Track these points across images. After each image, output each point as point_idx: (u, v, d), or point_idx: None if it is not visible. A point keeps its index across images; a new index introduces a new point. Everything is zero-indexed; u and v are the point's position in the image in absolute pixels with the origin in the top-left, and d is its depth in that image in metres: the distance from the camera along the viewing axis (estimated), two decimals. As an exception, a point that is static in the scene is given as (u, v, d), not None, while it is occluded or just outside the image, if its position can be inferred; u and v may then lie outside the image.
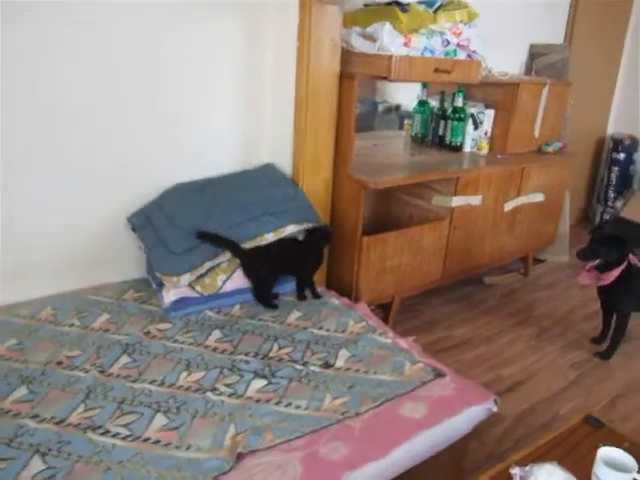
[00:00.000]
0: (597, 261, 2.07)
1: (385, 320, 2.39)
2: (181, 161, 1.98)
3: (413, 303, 2.66)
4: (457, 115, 2.61)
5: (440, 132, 2.71)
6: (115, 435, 1.20)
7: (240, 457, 1.15)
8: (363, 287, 2.22)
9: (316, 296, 1.95)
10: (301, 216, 1.96)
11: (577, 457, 1.18)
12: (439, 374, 1.53)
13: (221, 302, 1.87)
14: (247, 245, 1.82)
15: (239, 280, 1.89)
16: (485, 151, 2.70)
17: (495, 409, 1.46)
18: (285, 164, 2.13)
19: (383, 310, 2.41)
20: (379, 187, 2.12)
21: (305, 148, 2.00)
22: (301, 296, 1.96)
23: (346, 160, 2.10)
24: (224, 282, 1.85)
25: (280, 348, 1.60)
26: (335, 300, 1.95)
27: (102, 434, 1.19)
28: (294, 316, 1.83)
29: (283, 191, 2.00)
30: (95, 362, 1.45)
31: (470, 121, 2.63)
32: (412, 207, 2.52)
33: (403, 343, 1.70)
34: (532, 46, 3.05)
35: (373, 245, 2.18)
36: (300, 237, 1.93)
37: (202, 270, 1.80)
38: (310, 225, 1.95)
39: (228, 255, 1.84)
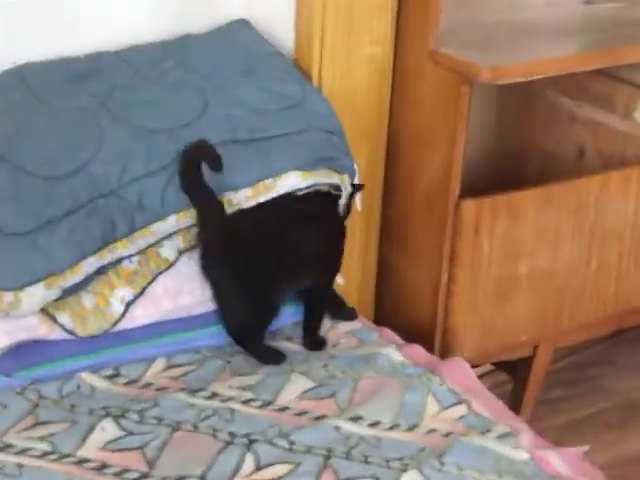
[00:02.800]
0: None
1: (515, 402, 2.25)
2: (35, 15, 1.91)
3: (580, 361, 2.62)
4: None
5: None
6: None
7: None
8: (462, 323, 2.06)
9: (348, 317, 1.86)
10: (315, 152, 1.81)
11: None
12: None
13: (122, 353, 1.66)
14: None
15: (165, 302, 1.73)
16: None
17: None
18: (280, 27, 2.03)
19: (511, 376, 2.33)
20: (504, 80, 1.98)
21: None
22: (315, 338, 1.79)
23: (426, 17, 1.95)
24: (129, 305, 1.66)
25: (259, 468, 1.39)
26: (393, 351, 1.74)
27: None
28: (296, 387, 1.61)
29: (276, 90, 1.88)
30: None
31: None
32: (585, 130, 2.37)
33: (556, 463, 1.48)
34: None
35: (488, 220, 2.00)
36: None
37: (75, 277, 1.63)
38: (334, 175, 1.82)
39: (141, 239, 1.67)
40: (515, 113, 2.57)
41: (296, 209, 1.80)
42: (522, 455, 1.47)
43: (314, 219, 1.81)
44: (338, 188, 1.83)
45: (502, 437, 1.51)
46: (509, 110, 2.58)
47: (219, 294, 1.73)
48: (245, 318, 1.72)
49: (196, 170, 1.64)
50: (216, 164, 1.67)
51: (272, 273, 1.73)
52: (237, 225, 1.72)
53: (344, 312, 1.88)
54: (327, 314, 1.85)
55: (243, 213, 1.73)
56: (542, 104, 2.48)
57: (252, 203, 1.72)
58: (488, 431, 1.53)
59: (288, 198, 1.77)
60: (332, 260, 1.86)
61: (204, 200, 1.66)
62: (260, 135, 1.78)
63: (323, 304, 1.85)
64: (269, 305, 1.74)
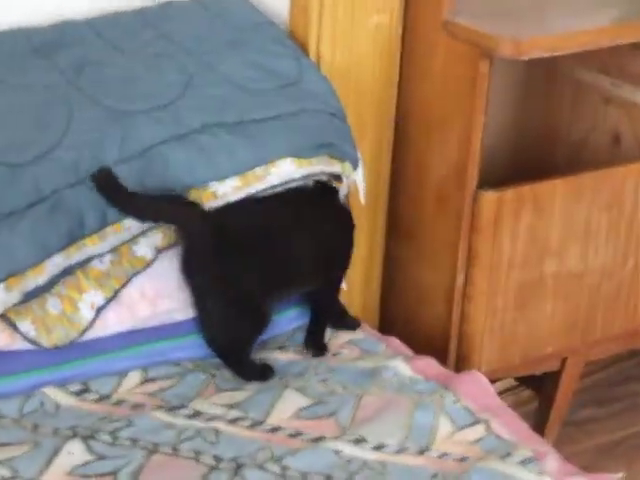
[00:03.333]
0: None
1: (540, 423, 2.28)
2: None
3: (614, 377, 2.69)
4: None
5: None
6: None
7: None
8: (480, 332, 2.09)
9: (350, 326, 1.90)
10: (313, 137, 1.84)
11: None
12: None
13: (92, 366, 1.69)
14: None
15: (142, 307, 1.75)
16: None
17: None
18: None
19: (536, 393, 2.37)
20: (528, 55, 1.98)
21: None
22: (318, 342, 1.83)
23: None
24: (100, 311, 1.68)
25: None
26: (401, 364, 1.77)
27: None
28: (290, 404, 1.64)
29: (268, 65, 1.91)
30: None
31: None
32: (621, 112, 2.37)
33: None
34: None
35: (510, 215, 2.03)
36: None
37: (39, 279, 1.64)
38: (334, 162, 1.85)
39: (113, 235, 1.70)
40: (540, 93, 2.58)
41: (294, 203, 1.83)
42: (546, 483, 1.49)
43: (316, 216, 1.83)
44: (339, 178, 1.84)
45: (525, 462, 1.51)
46: (534, 90, 2.58)
47: (201, 302, 1.74)
48: (230, 330, 1.76)
49: (120, 189, 1.64)
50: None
51: (264, 278, 1.75)
52: (226, 222, 1.73)
53: (345, 321, 1.91)
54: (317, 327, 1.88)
55: (232, 208, 1.74)
56: (572, 83, 2.47)
57: (241, 195, 1.74)
58: (509, 455, 1.53)
59: (285, 190, 1.81)
60: (337, 261, 1.89)
61: (163, 208, 1.68)
62: (249, 117, 1.80)
63: (329, 306, 1.89)
64: (258, 315, 1.76)
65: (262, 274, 1.73)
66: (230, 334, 1.76)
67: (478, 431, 1.61)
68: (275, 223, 1.77)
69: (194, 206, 1.70)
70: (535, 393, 2.41)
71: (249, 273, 1.71)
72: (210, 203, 1.73)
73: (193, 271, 1.71)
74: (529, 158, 2.55)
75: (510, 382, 2.43)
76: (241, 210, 1.75)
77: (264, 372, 1.72)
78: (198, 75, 1.85)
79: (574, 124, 2.55)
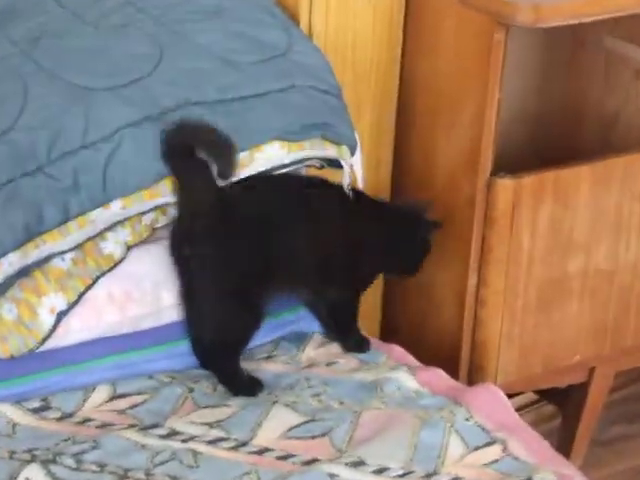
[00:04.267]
0: None
1: (565, 442, 2.30)
2: None
3: None
4: None
5: None
6: None
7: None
8: (496, 339, 2.09)
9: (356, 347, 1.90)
10: (304, 116, 1.85)
11: None
12: None
13: (53, 380, 1.70)
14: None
15: (109, 312, 1.75)
16: None
17: None
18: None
19: (560, 408, 2.38)
20: (549, 23, 1.99)
21: None
22: (354, 339, 1.89)
23: None
24: (61, 316, 1.68)
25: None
26: (405, 375, 1.78)
27: None
28: (279, 422, 1.64)
29: (252, 35, 1.92)
30: None
31: None
32: None
33: None
34: None
35: (530, 205, 2.03)
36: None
37: None
38: (329, 146, 1.86)
39: (76, 230, 1.69)
40: (564, 66, 2.57)
41: (309, 194, 1.83)
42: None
43: (333, 214, 1.82)
44: (335, 163, 1.83)
45: None
46: (556, 62, 2.57)
47: (191, 290, 1.74)
48: (221, 324, 1.75)
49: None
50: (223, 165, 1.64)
51: (264, 266, 1.74)
52: (232, 195, 1.73)
53: (352, 339, 1.89)
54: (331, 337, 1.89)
55: (242, 185, 1.75)
56: (599, 54, 2.47)
57: (224, 183, 1.73)
58: (529, 479, 1.53)
59: (315, 181, 1.83)
60: (342, 267, 1.85)
61: (191, 164, 1.67)
62: (231, 95, 1.79)
63: (347, 310, 1.88)
64: (254, 308, 1.75)
65: (262, 262, 1.74)
66: (221, 328, 1.76)
67: (494, 452, 1.60)
68: (284, 211, 1.77)
69: (210, 176, 1.69)
70: (559, 408, 2.39)
71: (246, 257, 1.72)
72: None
73: (188, 247, 1.71)
74: (551, 141, 2.53)
75: (531, 396, 2.42)
76: (250, 188, 1.76)
77: (253, 386, 1.73)
78: (171, 47, 1.85)
79: (603, 101, 2.53)
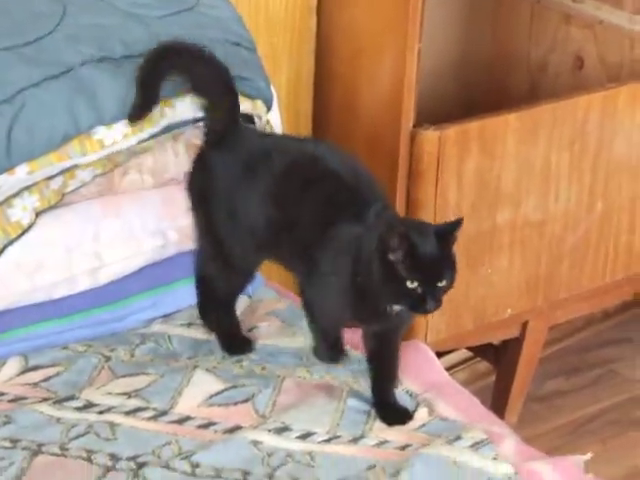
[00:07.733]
0: None
1: (499, 400, 2.34)
2: None
3: (584, 343, 2.75)
4: None
5: None
6: None
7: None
8: None
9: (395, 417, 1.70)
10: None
11: None
12: None
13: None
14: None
15: (18, 281, 1.75)
16: None
17: None
18: None
19: (494, 365, 2.42)
20: None
21: None
22: (392, 404, 1.70)
23: None
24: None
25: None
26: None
27: None
28: (200, 390, 1.65)
29: None
30: None
31: None
32: (583, 33, 2.44)
33: (549, 477, 1.52)
34: None
35: (455, 156, 2.05)
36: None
37: None
38: (244, 100, 1.84)
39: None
40: (489, 15, 2.59)
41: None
42: (504, 469, 1.48)
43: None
44: (250, 119, 1.83)
45: (477, 446, 1.52)
46: (482, 7, 2.58)
47: (201, 211, 1.72)
48: (228, 250, 1.69)
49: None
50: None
51: (265, 220, 1.67)
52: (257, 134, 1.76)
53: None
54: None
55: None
56: (524, 1, 2.49)
57: (132, 142, 1.73)
58: (458, 439, 1.54)
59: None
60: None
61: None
62: (139, 50, 1.78)
63: (393, 346, 1.69)
64: (254, 250, 1.71)
65: (269, 206, 1.66)
66: (225, 255, 1.69)
67: (421, 417, 1.61)
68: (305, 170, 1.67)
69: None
70: (493, 365, 2.42)
71: (257, 193, 1.66)
72: (97, 154, 1.72)
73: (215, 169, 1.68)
74: (477, 88, 2.56)
75: (464, 353, 2.44)
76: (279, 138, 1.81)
77: (244, 344, 1.73)
78: (74, 3, 1.84)
79: (530, 47, 2.55)
